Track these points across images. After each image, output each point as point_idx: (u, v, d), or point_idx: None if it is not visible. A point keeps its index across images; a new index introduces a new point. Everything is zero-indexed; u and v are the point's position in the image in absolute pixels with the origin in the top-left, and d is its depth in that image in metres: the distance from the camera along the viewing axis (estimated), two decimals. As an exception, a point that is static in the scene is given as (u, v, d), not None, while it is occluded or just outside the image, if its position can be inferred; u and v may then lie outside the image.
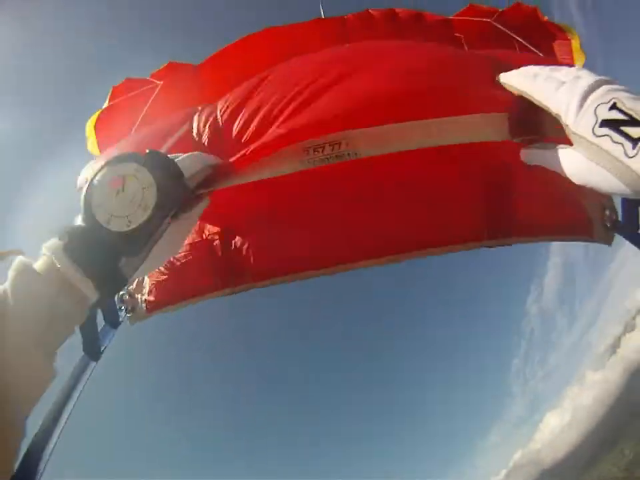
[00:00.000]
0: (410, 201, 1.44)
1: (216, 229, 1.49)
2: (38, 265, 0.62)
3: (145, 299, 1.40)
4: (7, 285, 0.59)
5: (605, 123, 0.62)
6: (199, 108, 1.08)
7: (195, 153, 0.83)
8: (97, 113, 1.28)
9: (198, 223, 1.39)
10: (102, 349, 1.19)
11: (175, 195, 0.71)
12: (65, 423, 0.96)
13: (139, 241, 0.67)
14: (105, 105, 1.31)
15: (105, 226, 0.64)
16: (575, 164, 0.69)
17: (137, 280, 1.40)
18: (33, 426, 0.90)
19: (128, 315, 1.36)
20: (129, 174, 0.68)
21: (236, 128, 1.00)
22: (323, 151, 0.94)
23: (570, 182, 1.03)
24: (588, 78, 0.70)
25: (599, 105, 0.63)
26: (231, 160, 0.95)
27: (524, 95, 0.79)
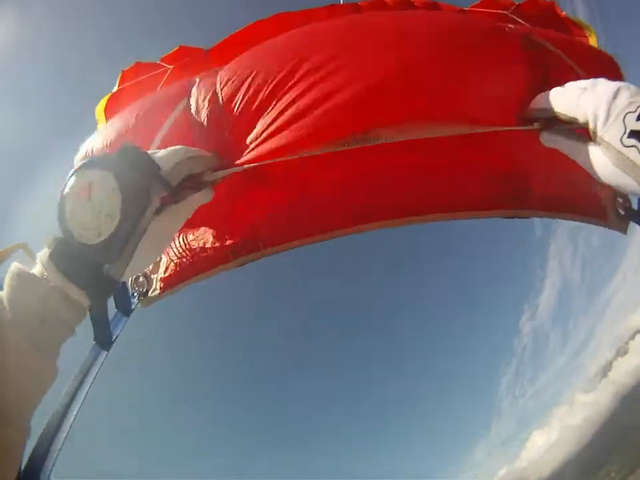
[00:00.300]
0: (423, 166, 1.41)
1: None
2: (34, 270, 0.64)
3: (161, 277, 1.37)
4: (3, 292, 0.61)
5: (633, 134, 0.64)
6: (197, 80, 1.04)
7: (177, 147, 0.81)
8: (107, 96, 1.25)
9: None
10: (113, 337, 1.17)
11: (144, 195, 0.69)
12: (76, 415, 0.94)
13: (113, 249, 0.66)
14: (115, 89, 1.27)
15: (77, 239, 0.64)
16: (601, 164, 0.72)
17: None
18: (43, 419, 0.90)
19: (139, 299, 1.32)
20: (94, 181, 0.66)
21: (238, 105, 0.97)
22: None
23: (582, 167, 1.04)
24: (605, 82, 0.73)
25: (627, 113, 0.66)
26: (238, 162, 0.95)
27: (552, 113, 0.80)
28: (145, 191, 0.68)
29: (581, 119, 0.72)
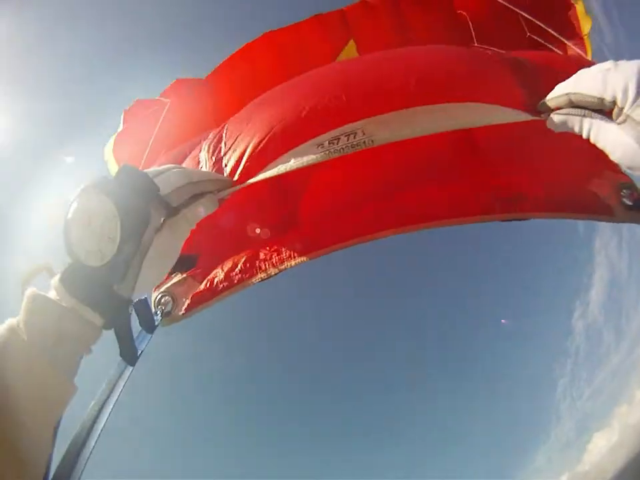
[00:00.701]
0: (420, 176, 1.48)
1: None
2: (50, 293, 0.68)
3: (193, 295, 1.47)
4: (19, 316, 0.65)
5: None
6: (209, 137, 1.13)
7: (181, 170, 0.83)
8: (113, 137, 1.37)
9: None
10: (138, 353, 1.24)
11: (142, 216, 0.71)
12: (103, 428, 1.02)
13: (117, 270, 0.68)
14: (119, 129, 1.40)
15: (83, 262, 0.68)
16: (622, 144, 0.69)
17: (177, 279, 1.48)
18: (70, 432, 0.96)
19: (162, 317, 1.39)
20: (93, 206, 0.69)
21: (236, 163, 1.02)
22: (338, 143, 0.95)
23: (583, 160, 1.01)
24: (625, 62, 0.71)
25: None
26: (235, 177, 1.00)
27: (572, 96, 0.77)
28: (143, 213, 0.71)
29: (609, 97, 0.70)
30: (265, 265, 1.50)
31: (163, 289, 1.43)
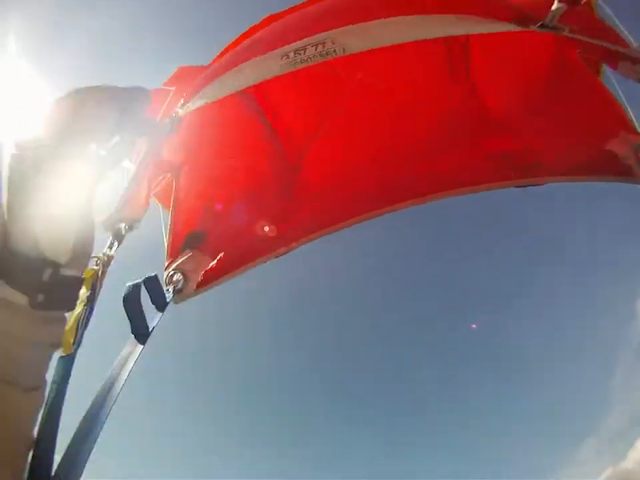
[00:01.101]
0: (434, 147, 1.50)
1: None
2: None
3: (205, 271, 1.46)
4: None
5: None
6: None
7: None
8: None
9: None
10: (150, 330, 1.24)
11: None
12: (113, 404, 1.01)
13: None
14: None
15: None
16: None
17: (188, 255, 1.46)
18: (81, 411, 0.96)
19: (173, 296, 1.37)
20: None
21: None
22: (304, 52, 0.95)
23: (599, 122, 0.96)
24: None
25: None
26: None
27: None
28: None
29: None
30: (277, 242, 1.51)
31: (174, 266, 1.41)
